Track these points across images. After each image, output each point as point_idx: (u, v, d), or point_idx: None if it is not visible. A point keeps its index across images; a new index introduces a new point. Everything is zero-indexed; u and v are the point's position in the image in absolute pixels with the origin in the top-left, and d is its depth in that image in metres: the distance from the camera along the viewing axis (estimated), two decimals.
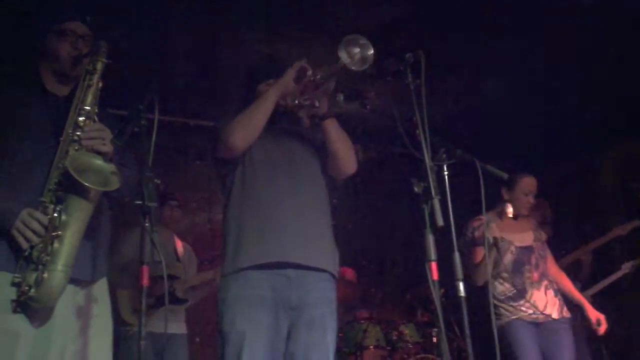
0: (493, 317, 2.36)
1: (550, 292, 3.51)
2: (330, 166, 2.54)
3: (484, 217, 3.38)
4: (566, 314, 3.52)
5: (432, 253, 2.02)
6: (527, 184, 3.59)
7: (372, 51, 2.22)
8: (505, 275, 3.47)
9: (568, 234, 5.09)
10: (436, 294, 1.98)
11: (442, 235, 2.11)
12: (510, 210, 3.47)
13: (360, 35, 2.22)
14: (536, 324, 3.43)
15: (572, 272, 4.63)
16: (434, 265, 2.01)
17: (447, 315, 4.18)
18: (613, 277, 4.78)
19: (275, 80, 2.46)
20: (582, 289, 4.82)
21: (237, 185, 2.42)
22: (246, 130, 2.33)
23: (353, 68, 2.19)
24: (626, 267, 4.78)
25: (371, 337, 4.73)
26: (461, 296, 2.14)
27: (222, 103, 4.69)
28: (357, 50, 2.21)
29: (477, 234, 3.53)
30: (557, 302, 3.50)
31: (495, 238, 3.40)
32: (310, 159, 2.52)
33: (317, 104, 2.39)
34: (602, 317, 3.61)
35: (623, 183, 5.94)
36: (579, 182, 6.35)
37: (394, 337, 4.80)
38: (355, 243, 6.20)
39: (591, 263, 4.85)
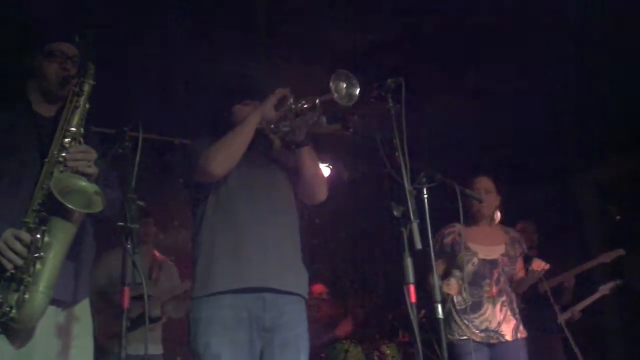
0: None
1: (507, 310, 3.49)
2: (301, 192, 2.57)
3: (457, 226, 3.48)
4: (521, 334, 3.49)
5: (411, 276, 2.06)
6: (484, 182, 3.66)
7: (358, 90, 2.25)
8: (464, 286, 3.49)
9: (549, 255, 5.14)
10: (414, 316, 2.01)
11: (421, 258, 2.15)
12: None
13: (350, 72, 2.26)
14: (488, 345, 3.42)
15: (553, 295, 4.68)
16: (411, 287, 2.04)
17: (428, 336, 4.19)
18: (592, 298, 4.83)
19: (253, 104, 2.49)
20: (561, 311, 4.88)
21: (209, 209, 2.42)
22: (225, 158, 2.35)
23: (339, 102, 2.22)
24: (605, 289, 4.84)
25: (353, 357, 4.73)
26: (439, 318, 2.18)
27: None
28: (344, 85, 2.25)
29: (445, 240, 3.58)
30: (514, 321, 3.48)
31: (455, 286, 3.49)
32: (283, 183, 2.54)
33: (295, 131, 2.42)
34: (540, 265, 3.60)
35: (601, 205, 6.04)
36: (560, 204, 6.43)
37: (376, 357, 4.80)
38: (337, 262, 6.23)
39: (573, 287, 4.91)
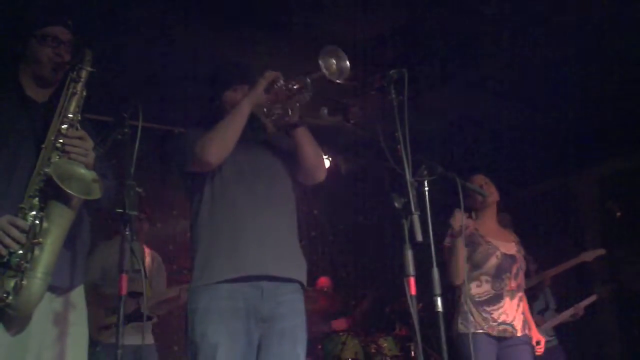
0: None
1: (521, 306, 3.52)
2: (299, 173, 2.55)
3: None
4: (528, 332, 3.54)
5: (411, 268, 2.05)
6: (481, 178, 3.68)
7: (347, 62, 2.23)
8: (486, 277, 3.49)
9: (545, 253, 5.15)
10: (414, 308, 2.00)
11: (421, 250, 2.14)
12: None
13: (336, 46, 2.24)
14: (501, 339, 3.42)
15: (532, 295, 4.69)
16: (412, 280, 2.03)
17: (425, 330, 4.18)
18: (589, 300, 4.82)
19: (242, 88, 2.48)
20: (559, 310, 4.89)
21: (206, 198, 2.41)
22: (220, 146, 2.33)
23: (331, 78, 2.20)
24: (600, 292, 4.82)
25: (349, 349, 4.74)
26: (438, 311, 2.16)
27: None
28: (333, 61, 2.23)
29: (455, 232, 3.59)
30: (522, 318, 3.51)
31: (460, 227, 3.42)
32: (279, 168, 2.52)
33: (289, 112, 2.40)
34: (542, 339, 3.67)
35: (601, 202, 6.02)
36: (557, 201, 6.42)
37: (373, 350, 4.81)
38: (335, 255, 6.23)
39: (549, 287, 4.90)
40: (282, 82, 2.37)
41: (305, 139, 2.47)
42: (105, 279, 3.84)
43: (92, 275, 3.82)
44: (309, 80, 2.29)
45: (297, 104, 2.38)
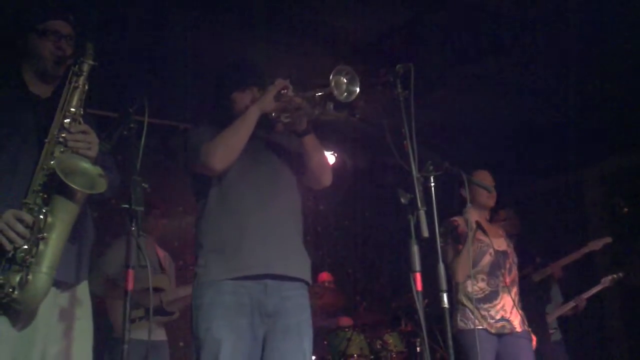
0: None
1: (517, 301, 3.53)
2: (305, 178, 2.55)
3: (464, 216, 3.47)
4: (527, 327, 3.54)
5: (417, 264, 2.04)
6: (484, 176, 3.67)
7: (358, 88, 2.24)
8: (481, 276, 3.50)
9: (552, 250, 5.13)
10: (420, 304, 2.00)
11: (427, 246, 2.13)
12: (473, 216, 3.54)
13: (352, 69, 2.24)
14: (500, 335, 3.43)
15: (542, 287, 4.67)
16: (418, 276, 2.03)
17: (431, 325, 4.18)
18: (593, 291, 4.82)
19: (251, 90, 2.48)
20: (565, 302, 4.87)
21: (212, 194, 2.41)
22: (226, 154, 2.33)
23: (338, 98, 2.21)
24: (605, 282, 4.82)
25: (355, 345, 4.73)
26: (445, 307, 2.16)
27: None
28: (344, 80, 2.23)
29: (460, 230, 3.57)
30: (520, 313, 3.52)
31: (477, 222, 3.46)
32: (286, 167, 2.52)
33: (296, 122, 2.40)
34: (533, 337, 3.65)
35: (607, 198, 6.00)
36: (564, 197, 6.40)
37: (378, 346, 4.80)
38: (341, 250, 6.22)
39: (561, 279, 4.89)
40: (291, 92, 2.36)
41: (312, 147, 2.46)
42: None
43: (110, 270, 3.84)
44: (317, 95, 2.28)
45: (304, 115, 2.37)
